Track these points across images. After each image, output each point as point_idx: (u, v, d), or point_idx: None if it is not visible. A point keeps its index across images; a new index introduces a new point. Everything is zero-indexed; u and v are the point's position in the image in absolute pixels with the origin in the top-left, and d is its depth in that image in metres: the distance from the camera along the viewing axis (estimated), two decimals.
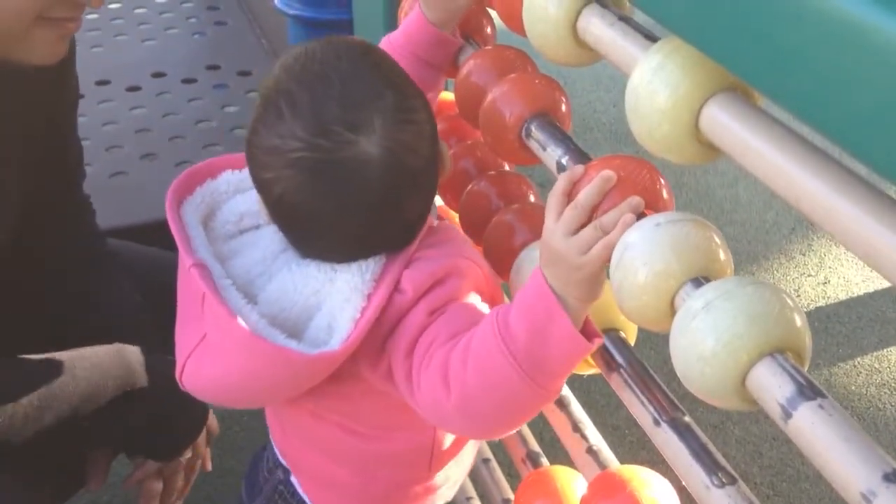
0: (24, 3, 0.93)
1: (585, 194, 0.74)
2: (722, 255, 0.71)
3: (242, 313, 0.81)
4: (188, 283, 0.86)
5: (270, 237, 0.89)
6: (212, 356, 0.85)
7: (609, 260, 0.72)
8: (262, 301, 0.84)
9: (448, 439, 0.95)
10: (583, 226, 0.74)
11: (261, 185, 0.83)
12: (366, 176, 0.79)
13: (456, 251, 0.88)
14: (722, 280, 0.66)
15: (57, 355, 1.09)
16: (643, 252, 0.70)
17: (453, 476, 1.01)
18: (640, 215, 0.76)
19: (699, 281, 0.68)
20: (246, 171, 0.92)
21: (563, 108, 0.94)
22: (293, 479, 1.00)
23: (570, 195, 0.76)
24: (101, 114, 2.45)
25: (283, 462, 1.00)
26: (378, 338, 0.83)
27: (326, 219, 0.82)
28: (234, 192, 0.94)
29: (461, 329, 0.81)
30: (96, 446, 1.19)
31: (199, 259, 0.85)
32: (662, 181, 0.80)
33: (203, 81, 2.60)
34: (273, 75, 0.82)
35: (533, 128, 0.91)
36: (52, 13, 0.96)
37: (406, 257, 0.85)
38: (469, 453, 1.02)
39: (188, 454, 1.24)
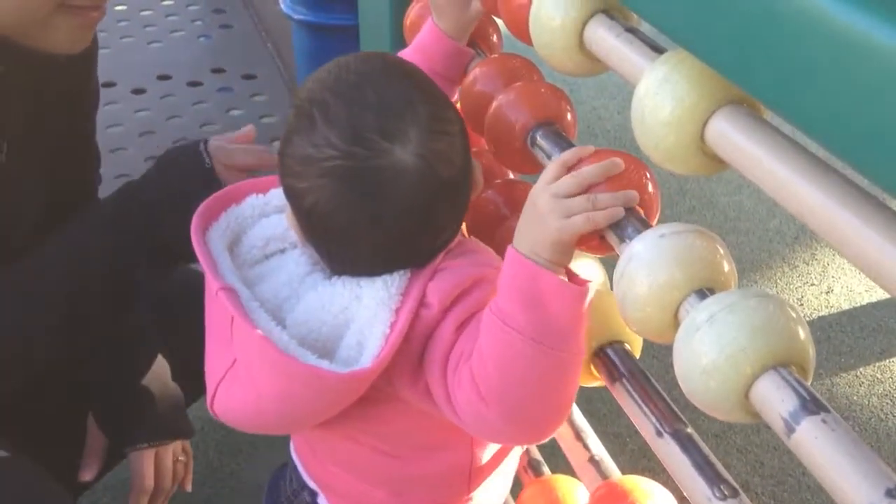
0: None
1: (590, 169, 0.75)
2: (726, 267, 0.71)
3: (273, 335, 0.81)
4: (216, 308, 0.86)
5: (296, 260, 0.88)
6: (243, 381, 0.84)
7: (581, 233, 0.74)
8: (291, 323, 0.84)
9: (486, 456, 0.93)
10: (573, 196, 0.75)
11: (294, 196, 0.83)
12: (400, 184, 0.78)
13: (482, 260, 0.87)
14: (726, 292, 0.66)
15: None
16: (647, 263, 0.70)
17: (497, 489, 1.00)
18: (642, 221, 0.76)
19: (703, 293, 0.68)
20: (270, 195, 0.93)
21: (569, 116, 0.94)
22: (320, 500, 0.98)
23: (570, 168, 0.77)
24: (106, 116, 2.46)
25: (310, 484, 0.98)
26: (411, 354, 0.82)
27: (359, 228, 0.81)
28: (259, 217, 0.93)
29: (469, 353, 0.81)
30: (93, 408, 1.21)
31: (226, 283, 0.84)
32: (649, 175, 0.80)
33: (208, 84, 2.60)
34: (306, 87, 0.82)
35: (538, 136, 0.91)
36: (73, 1, 0.96)
37: (431, 270, 0.83)
38: (511, 464, 1.00)
39: (180, 455, 1.24)
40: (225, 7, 3.05)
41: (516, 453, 1.00)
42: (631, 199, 0.74)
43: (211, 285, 0.84)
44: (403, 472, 0.92)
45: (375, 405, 0.87)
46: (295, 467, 1.00)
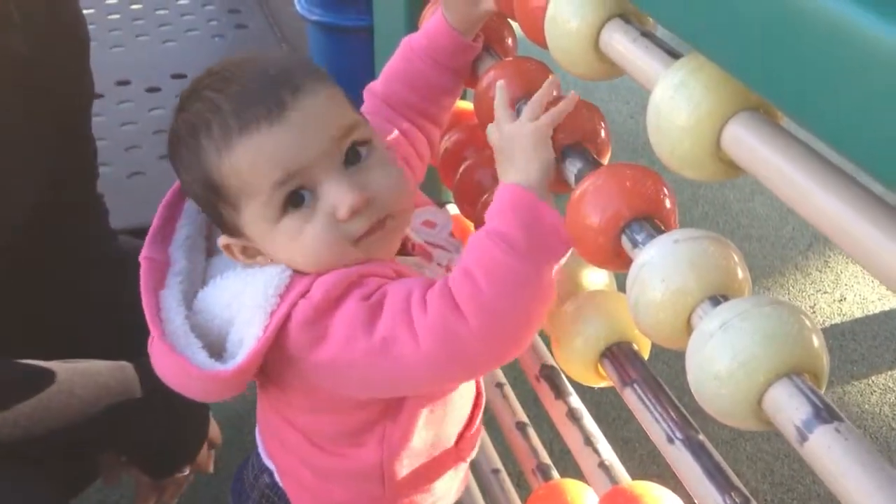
0: None
1: (560, 107, 0.86)
2: (740, 274, 0.71)
3: (169, 315, 0.84)
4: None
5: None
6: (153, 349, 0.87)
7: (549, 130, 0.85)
8: (195, 308, 0.87)
9: (403, 466, 0.93)
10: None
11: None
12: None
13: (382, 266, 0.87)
14: (740, 299, 0.65)
15: (59, 368, 1.08)
16: (661, 269, 0.70)
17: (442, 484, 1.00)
18: (655, 226, 0.75)
19: (717, 299, 0.67)
20: None
21: (603, 134, 0.92)
22: (278, 478, 1.00)
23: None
24: (121, 114, 2.47)
25: (268, 464, 1.01)
26: (292, 348, 0.83)
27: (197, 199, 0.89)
28: None
29: (425, 281, 0.83)
30: (94, 450, 1.19)
31: (150, 253, 0.88)
32: (666, 191, 0.79)
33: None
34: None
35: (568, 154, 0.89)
36: None
37: (315, 277, 0.83)
38: (445, 487, 1.01)
39: (186, 471, 1.24)
40: (240, 7, 3.06)
41: (445, 464, 0.99)
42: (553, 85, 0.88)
43: (143, 251, 0.89)
44: (323, 460, 0.93)
45: (292, 395, 0.90)
46: (257, 452, 1.03)
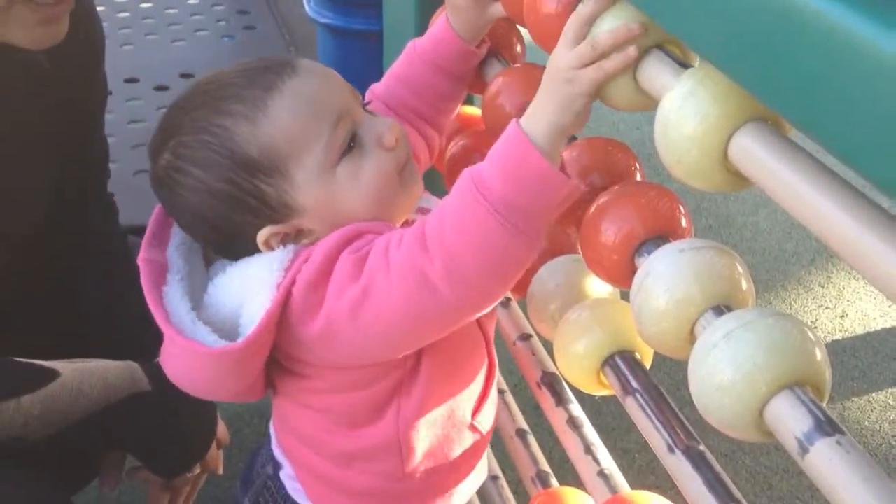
0: None
1: (606, 37, 0.74)
2: (744, 285, 0.71)
3: (174, 308, 0.85)
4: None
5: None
6: (164, 348, 0.88)
7: (598, 88, 0.75)
8: (204, 304, 0.87)
9: (420, 438, 0.92)
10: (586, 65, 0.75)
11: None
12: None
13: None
14: (743, 310, 0.65)
15: (67, 367, 1.08)
16: (666, 278, 0.70)
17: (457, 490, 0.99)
18: (660, 239, 0.75)
19: (720, 310, 0.68)
20: None
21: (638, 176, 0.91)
22: (281, 474, 1.00)
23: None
24: (129, 111, 2.47)
25: (277, 456, 1.00)
26: (299, 313, 0.83)
27: (189, 222, 0.90)
28: None
29: (409, 227, 0.82)
30: (103, 449, 1.19)
31: (150, 255, 0.89)
32: (682, 209, 0.80)
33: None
34: None
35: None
36: None
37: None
38: (466, 466, 1.00)
39: (196, 470, 1.24)
40: (250, 8, 3.07)
41: (462, 439, 0.97)
42: (632, 31, 0.73)
43: (141, 254, 0.89)
44: (342, 443, 0.93)
45: (308, 379, 0.90)
46: (269, 440, 1.02)
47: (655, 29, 0.73)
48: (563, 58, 0.76)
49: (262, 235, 0.85)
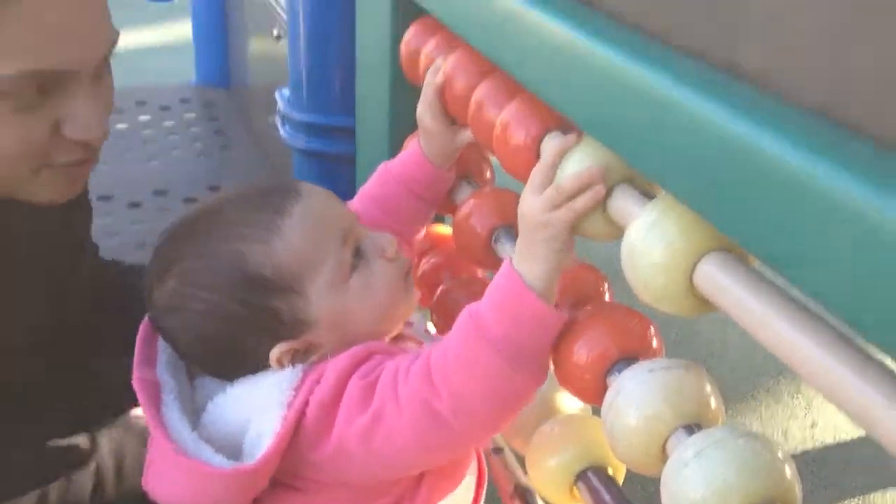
0: (16, 157, 0.87)
1: (571, 183, 0.77)
2: (713, 403, 0.73)
3: (174, 426, 0.85)
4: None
5: None
6: (156, 467, 0.87)
7: (573, 225, 0.77)
8: (203, 423, 0.87)
9: None
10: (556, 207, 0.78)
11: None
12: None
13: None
14: (714, 428, 0.67)
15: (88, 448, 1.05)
16: (636, 397, 0.72)
17: None
18: (632, 358, 0.78)
19: (691, 428, 0.69)
20: None
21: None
22: None
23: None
24: (103, 228, 2.48)
25: None
26: (311, 435, 0.84)
27: (189, 349, 0.91)
28: None
29: (415, 354, 0.83)
30: None
31: (142, 374, 0.88)
32: (652, 329, 0.82)
33: (203, 201, 2.64)
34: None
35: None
36: (54, 161, 0.90)
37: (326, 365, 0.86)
38: None
39: None
40: (227, 130, 3.12)
41: None
42: (593, 174, 0.76)
43: (135, 373, 0.89)
44: None
45: (303, 493, 0.89)
46: None
47: (621, 165, 0.76)
48: (531, 206, 0.79)
49: (275, 353, 0.86)
